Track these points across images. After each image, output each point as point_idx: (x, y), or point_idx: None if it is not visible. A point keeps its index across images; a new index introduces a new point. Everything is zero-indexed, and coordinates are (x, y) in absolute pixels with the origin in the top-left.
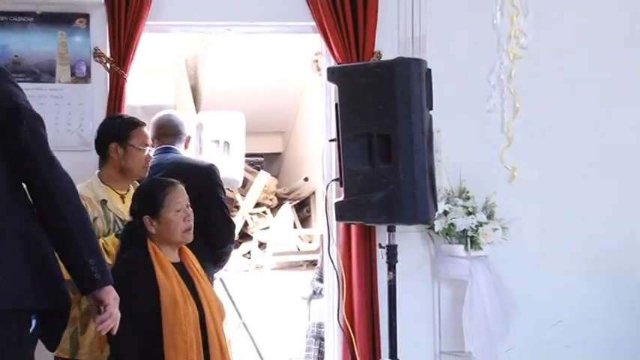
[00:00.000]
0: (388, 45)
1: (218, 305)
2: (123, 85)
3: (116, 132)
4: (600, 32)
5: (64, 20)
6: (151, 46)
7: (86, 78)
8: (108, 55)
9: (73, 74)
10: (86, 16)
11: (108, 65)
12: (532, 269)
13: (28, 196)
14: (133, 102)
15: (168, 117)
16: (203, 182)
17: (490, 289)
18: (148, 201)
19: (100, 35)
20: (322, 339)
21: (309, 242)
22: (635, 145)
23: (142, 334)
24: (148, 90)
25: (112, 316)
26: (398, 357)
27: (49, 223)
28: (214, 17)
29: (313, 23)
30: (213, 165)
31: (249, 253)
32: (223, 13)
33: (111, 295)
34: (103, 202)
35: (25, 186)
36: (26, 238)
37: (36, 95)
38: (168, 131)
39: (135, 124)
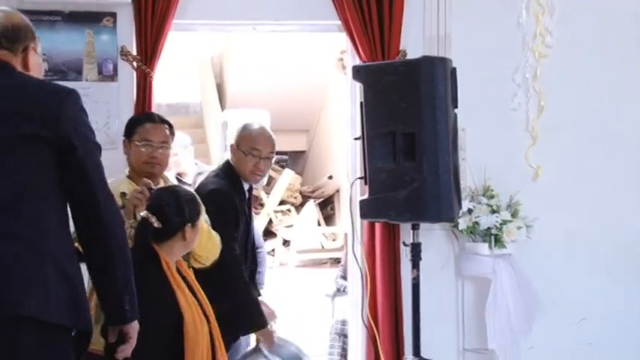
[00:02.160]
0: (413, 44)
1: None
2: (150, 83)
3: (126, 128)
4: (627, 31)
5: (92, 19)
6: (178, 44)
7: (113, 76)
8: (134, 53)
9: (100, 72)
10: (113, 15)
11: (134, 63)
12: (555, 267)
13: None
14: (159, 100)
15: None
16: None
17: (513, 287)
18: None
19: (126, 34)
20: (346, 336)
21: (333, 240)
22: None
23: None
24: (174, 88)
25: (132, 346)
26: (421, 354)
27: (93, 254)
28: (240, 16)
29: (339, 22)
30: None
31: (273, 250)
32: (249, 11)
33: (135, 329)
34: (123, 194)
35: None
36: (69, 262)
37: None
38: None
39: (140, 120)
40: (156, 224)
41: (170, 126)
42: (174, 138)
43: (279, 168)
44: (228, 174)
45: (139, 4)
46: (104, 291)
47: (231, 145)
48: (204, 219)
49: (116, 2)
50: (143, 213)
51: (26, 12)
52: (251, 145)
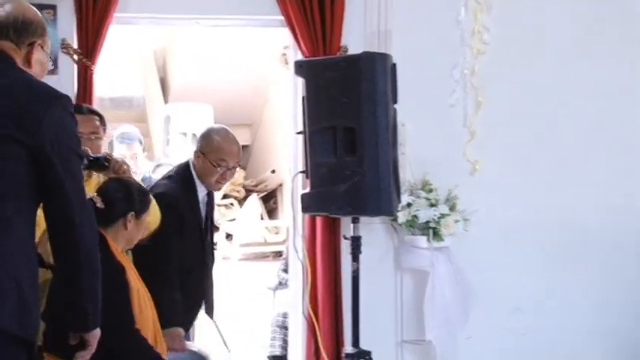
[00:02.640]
0: (354, 40)
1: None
2: (91, 77)
3: None
4: (562, 28)
5: None
6: (120, 37)
7: (53, 70)
8: (75, 46)
9: None
10: (53, 8)
11: (75, 57)
12: (492, 259)
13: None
14: (102, 93)
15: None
16: None
17: (451, 279)
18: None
19: (67, 27)
20: (287, 328)
21: (276, 233)
22: (591, 139)
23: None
24: (117, 82)
25: (91, 353)
26: (360, 346)
27: (61, 261)
28: (182, 10)
29: (281, 17)
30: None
31: (216, 244)
32: (191, 5)
33: (96, 336)
34: None
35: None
36: (33, 271)
37: None
38: None
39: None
40: (99, 204)
41: (100, 117)
42: (105, 129)
43: None
44: (185, 177)
45: None
46: (69, 298)
47: (197, 153)
48: None
49: None
50: (91, 194)
51: None
52: (220, 156)
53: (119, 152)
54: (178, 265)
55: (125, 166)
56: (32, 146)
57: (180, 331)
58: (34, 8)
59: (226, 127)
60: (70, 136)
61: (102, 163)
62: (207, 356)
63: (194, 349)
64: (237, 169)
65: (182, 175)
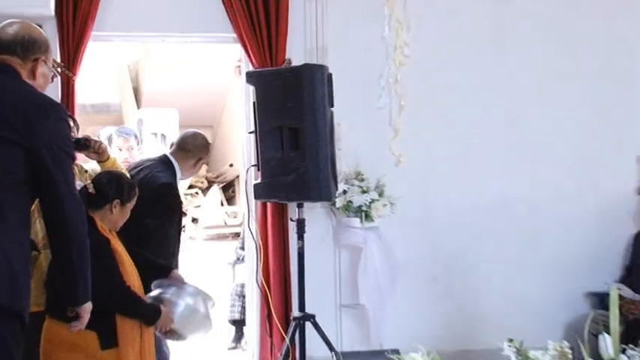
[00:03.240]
0: (296, 53)
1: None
2: (73, 86)
3: None
4: (468, 42)
5: None
6: (99, 52)
7: None
8: (58, 60)
9: None
10: (40, 26)
11: (58, 69)
12: (414, 237)
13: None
14: (84, 100)
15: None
16: None
17: (380, 254)
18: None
19: (51, 43)
20: (244, 296)
21: (234, 217)
22: (492, 134)
23: None
24: (97, 90)
25: (84, 324)
26: (306, 310)
27: (56, 247)
28: (151, 29)
29: (235, 35)
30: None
31: (184, 227)
32: (158, 25)
33: (87, 310)
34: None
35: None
36: (25, 255)
37: None
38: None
39: None
40: (90, 190)
41: (74, 120)
42: (78, 130)
43: None
44: (169, 168)
45: (61, 17)
46: (62, 277)
47: (178, 151)
48: None
49: (41, 15)
50: (86, 183)
51: None
52: (200, 156)
53: (117, 144)
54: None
55: (103, 145)
56: (29, 148)
57: (179, 272)
58: (38, 28)
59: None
60: (63, 138)
61: (83, 143)
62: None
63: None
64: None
65: (167, 166)
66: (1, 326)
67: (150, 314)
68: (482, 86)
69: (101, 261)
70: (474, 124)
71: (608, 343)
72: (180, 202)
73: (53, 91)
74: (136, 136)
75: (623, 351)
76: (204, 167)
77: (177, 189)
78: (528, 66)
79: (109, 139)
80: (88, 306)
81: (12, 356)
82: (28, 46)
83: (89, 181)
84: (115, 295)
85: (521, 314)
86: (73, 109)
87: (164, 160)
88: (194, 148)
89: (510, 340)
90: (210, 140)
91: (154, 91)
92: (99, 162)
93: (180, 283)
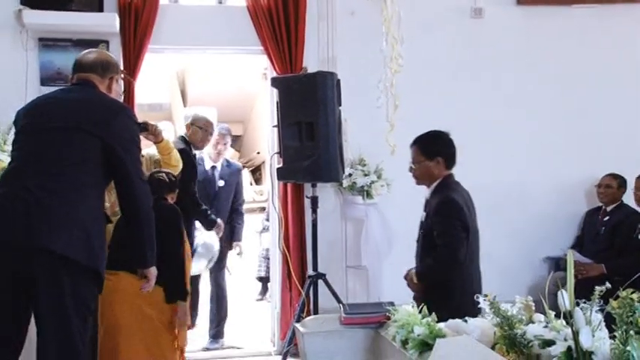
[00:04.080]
0: (312, 62)
1: None
2: (133, 89)
3: None
4: (453, 53)
5: (92, 44)
6: (153, 61)
7: None
8: (122, 67)
9: None
10: (107, 42)
11: (122, 75)
12: (406, 211)
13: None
14: (142, 100)
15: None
16: None
17: (379, 225)
18: None
19: (116, 54)
20: (268, 259)
21: (261, 195)
22: (473, 125)
23: None
24: (151, 92)
25: (151, 285)
26: (318, 270)
27: (128, 219)
28: (195, 43)
29: (262, 47)
30: None
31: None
32: (201, 40)
33: (153, 272)
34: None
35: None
36: (100, 227)
37: None
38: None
39: None
40: (166, 179)
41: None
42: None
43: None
44: (184, 142)
45: (124, 34)
46: (133, 245)
47: (187, 124)
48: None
49: (108, 32)
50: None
51: (47, 40)
52: (203, 124)
53: (215, 138)
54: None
55: (159, 129)
56: (104, 140)
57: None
58: (110, 54)
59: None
60: (131, 132)
61: (142, 127)
62: (213, 245)
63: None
64: (229, 147)
65: (182, 141)
66: (80, 281)
67: (180, 293)
68: (462, 90)
69: (172, 227)
70: (455, 121)
71: (565, 298)
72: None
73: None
74: (230, 135)
75: (577, 304)
76: (236, 154)
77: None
78: (502, 78)
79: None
80: (154, 269)
81: (89, 307)
82: (106, 66)
83: (153, 168)
84: (173, 259)
85: (490, 275)
86: (132, 107)
87: (181, 138)
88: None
89: (485, 295)
90: (240, 133)
91: (197, 93)
92: (155, 143)
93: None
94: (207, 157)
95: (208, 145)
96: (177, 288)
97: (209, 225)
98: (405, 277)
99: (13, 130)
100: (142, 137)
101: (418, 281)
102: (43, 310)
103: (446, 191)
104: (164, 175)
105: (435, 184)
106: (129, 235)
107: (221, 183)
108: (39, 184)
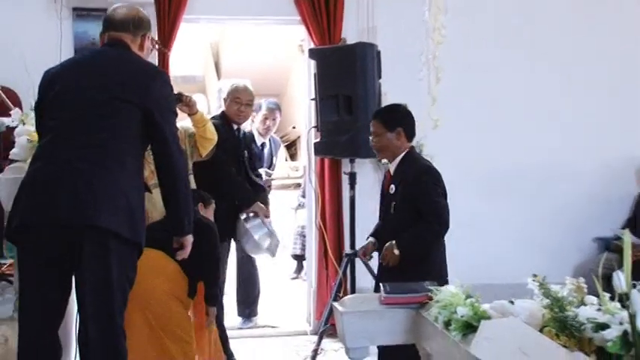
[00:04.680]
0: (351, 33)
1: None
2: (167, 60)
3: None
4: (496, 24)
5: None
6: (187, 32)
7: None
8: (156, 38)
9: None
10: None
11: (156, 46)
12: (448, 189)
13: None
14: (175, 72)
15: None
16: None
17: None
18: None
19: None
20: (304, 236)
21: (296, 170)
22: (517, 102)
23: None
24: (184, 64)
25: (187, 253)
26: (356, 248)
27: (166, 188)
28: (230, 13)
29: (299, 17)
30: None
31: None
32: (236, 10)
33: (189, 240)
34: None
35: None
36: (140, 196)
37: None
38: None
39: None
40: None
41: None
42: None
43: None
44: (221, 117)
45: (158, 3)
46: (171, 212)
47: (224, 98)
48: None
49: (143, 1)
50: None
51: (81, 9)
52: (235, 95)
53: (264, 113)
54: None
55: (193, 100)
56: (142, 106)
57: (261, 205)
58: (142, 10)
59: (243, 82)
60: (168, 98)
61: (177, 98)
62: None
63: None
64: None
65: (219, 117)
66: (123, 252)
67: (214, 297)
68: (508, 62)
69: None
70: (501, 94)
71: (621, 279)
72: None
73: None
74: (280, 111)
75: (633, 286)
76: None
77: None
78: (553, 47)
79: (258, 107)
80: (190, 238)
81: (131, 280)
82: (138, 24)
83: (188, 141)
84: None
85: (535, 256)
86: None
87: (221, 112)
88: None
89: (534, 276)
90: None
91: (232, 65)
92: (189, 115)
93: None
94: (256, 133)
95: (257, 121)
96: (211, 292)
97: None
98: (364, 253)
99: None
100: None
101: (401, 253)
102: (88, 286)
103: (418, 161)
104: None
105: (399, 156)
106: (165, 204)
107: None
108: (82, 157)
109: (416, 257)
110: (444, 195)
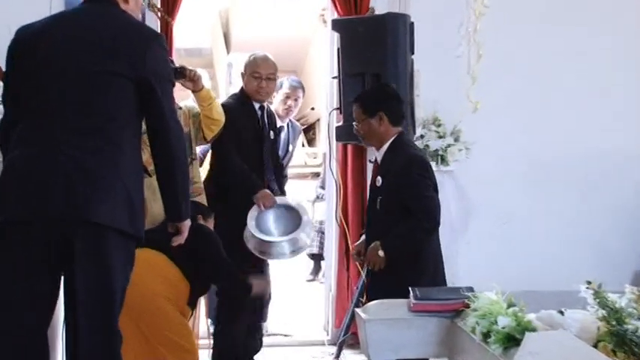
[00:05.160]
0: (380, 2)
1: None
2: (171, 30)
3: None
4: None
5: None
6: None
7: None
8: (159, 5)
9: None
10: None
11: (159, 14)
12: (488, 181)
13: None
14: (178, 45)
15: None
16: None
17: (455, 196)
18: None
19: None
20: (323, 232)
21: (314, 158)
22: (570, 83)
23: None
24: (189, 35)
25: (184, 238)
26: None
27: (162, 171)
28: None
29: None
30: None
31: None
32: None
33: (187, 225)
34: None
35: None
36: (139, 181)
37: None
38: None
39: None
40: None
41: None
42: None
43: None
44: (240, 96)
45: None
46: (167, 197)
47: (242, 74)
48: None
49: None
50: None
51: None
52: (254, 69)
53: (285, 91)
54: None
55: (198, 74)
56: (137, 78)
57: (267, 191)
58: None
59: (263, 53)
60: (166, 67)
61: (179, 72)
62: (299, 206)
63: (284, 202)
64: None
65: (237, 95)
66: (123, 248)
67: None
68: (560, 38)
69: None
70: (552, 75)
71: None
72: (237, 126)
73: None
74: (303, 90)
75: None
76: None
77: (232, 112)
78: (611, 22)
79: (280, 85)
80: (188, 222)
81: (127, 276)
82: None
83: (192, 122)
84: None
85: (589, 259)
86: (171, 52)
87: (240, 89)
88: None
89: (588, 282)
90: None
91: (243, 37)
92: (193, 91)
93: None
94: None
95: (276, 101)
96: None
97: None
98: (359, 253)
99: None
100: (179, 85)
101: (386, 254)
102: (83, 290)
103: (406, 149)
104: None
105: (386, 144)
106: (160, 187)
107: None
108: (74, 142)
109: (403, 258)
110: (435, 188)
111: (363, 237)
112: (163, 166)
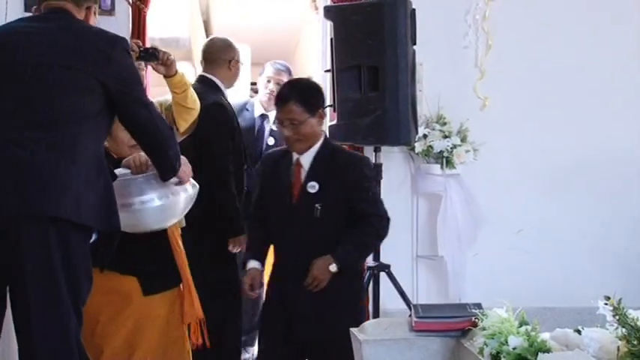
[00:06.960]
0: None
1: None
2: (144, 18)
3: None
4: None
5: None
6: None
7: (110, 11)
8: None
9: (99, 7)
10: None
11: (130, 0)
12: (498, 185)
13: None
14: (153, 34)
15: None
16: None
17: (461, 202)
18: None
19: None
20: None
21: None
22: (591, 77)
23: None
24: (165, 24)
25: (189, 176)
26: (381, 260)
27: (154, 159)
28: None
29: None
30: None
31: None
32: None
33: (187, 172)
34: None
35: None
36: (96, 173)
37: None
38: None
39: None
40: None
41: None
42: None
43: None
44: (211, 85)
45: None
46: (160, 161)
47: (207, 65)
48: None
49: None
50: None
51: None
52: (228, 57)
53: (267, 74)
54: None
55: (172, 58)
56: (103, 79)
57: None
58: None
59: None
60: (131, 68)
61: (151, 53)
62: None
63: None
64: None
65: (212, 85)
66: (73, 244)
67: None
68: (583, 25)
69: None
70: (571, 68)
71: None
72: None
73: (124, 22)
74: (289, 73)
75: None
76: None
77: (229, 111)
78: (626, 14)
79: (262, 70)
80: (188, 168)
81: (89, 274)
82: None
83: (165, 116)
84: None
85: (608, 272)
86: (144, 42)
87: (203, 80)
88: (218, 52)
89: (607, 298)
90: None
91: (226, 26)
92: (165, 77)
93: None
94: (257, 103)
95: (261, 88)
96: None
97: (232, 233)
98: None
99: None
100: (150, 68)
101: (344, 269)
102: (31, 293)
103: (343, 149)
104: None
105: (316, 145)
106: (154, 158)
107: (271, 141)
108: (29, 137)
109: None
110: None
111: (254, 264)
112: (155, 155)
